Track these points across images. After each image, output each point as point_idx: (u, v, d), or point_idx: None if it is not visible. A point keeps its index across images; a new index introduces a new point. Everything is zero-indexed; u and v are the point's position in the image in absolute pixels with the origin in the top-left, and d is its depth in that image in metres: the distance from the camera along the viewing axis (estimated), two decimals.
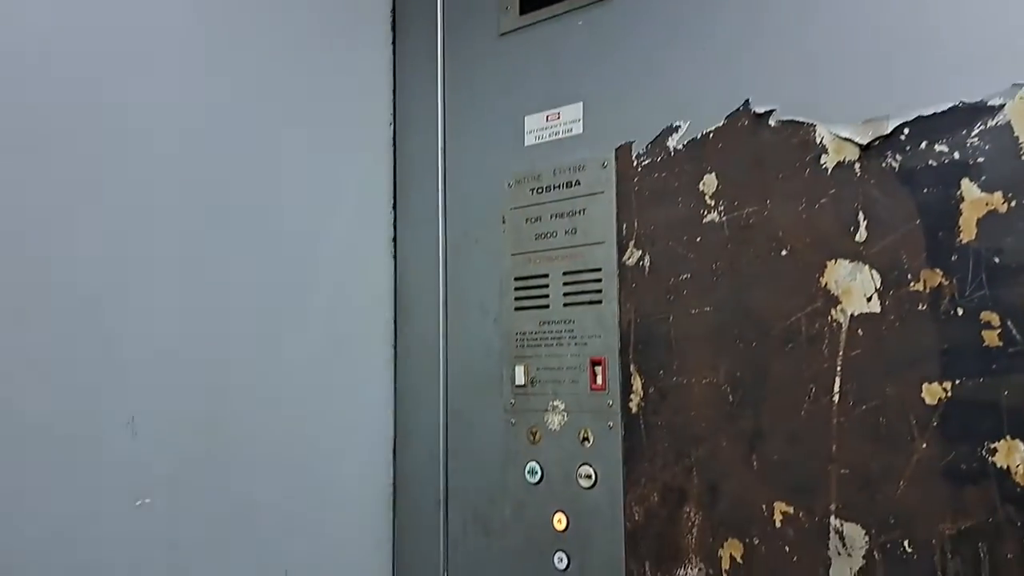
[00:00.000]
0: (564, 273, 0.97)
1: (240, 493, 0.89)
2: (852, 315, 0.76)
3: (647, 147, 0.91)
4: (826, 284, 0.78)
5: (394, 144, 1.16)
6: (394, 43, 1.18)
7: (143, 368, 0.80)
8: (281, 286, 0.97)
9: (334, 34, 1.08)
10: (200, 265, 0.86)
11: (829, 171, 0.79)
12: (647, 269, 0.90)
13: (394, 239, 1.15)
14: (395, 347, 1.14)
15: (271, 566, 0.93)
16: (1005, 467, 0.68)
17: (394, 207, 1.15)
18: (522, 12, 1.04)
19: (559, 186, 0.98)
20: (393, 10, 1.18)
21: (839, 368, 0.77)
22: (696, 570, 0.84)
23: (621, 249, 0.92)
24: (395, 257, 1.15)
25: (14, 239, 0.70)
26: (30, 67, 0.72)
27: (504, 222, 1.03)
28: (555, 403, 0.96)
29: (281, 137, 0.98)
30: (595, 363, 0.93)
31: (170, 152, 0.84)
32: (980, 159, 0.71)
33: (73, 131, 0.75)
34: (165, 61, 0.84)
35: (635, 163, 0.92)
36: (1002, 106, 0.70)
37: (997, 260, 0.69)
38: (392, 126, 1.16)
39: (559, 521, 0.94)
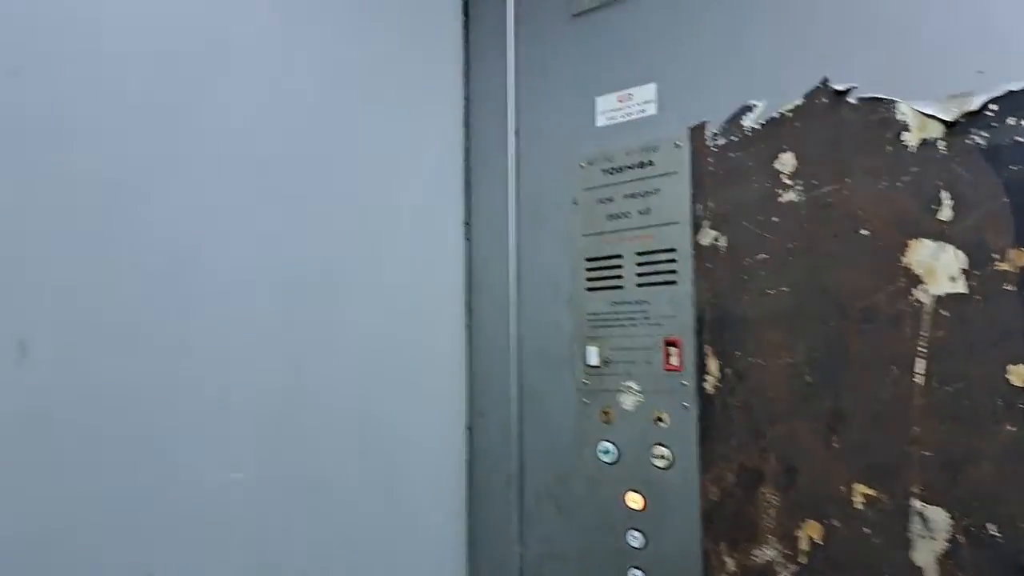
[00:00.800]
0: (637, 253, 0.97)
1: (318, 466, 0.92)
2: (935, 295, 0.75)
3: (722, 127, 0.90)
4: (907, 264, 0.77)
5: (467, 125, 1.18)
6: (466, 25, 1.18)
7: (229, 342, 0.82)
8: (359, 265, 0.99)
9: (408, 15, 1.09)
10: (281, 240, 0.89)
11: (911, 149, 0.77)
12: (722, 249, 0.89)
13: (467, 220, 1.17)
14: (469, 326, 1.16)
15: (348, 536, 0.96)
16: None
17: (467, 187, 1.17)
18: None
19: (632, 167, 0.98)
20: None
21: (921, 349, 0.76)
22: (774, 551, 0.84)
23: (696, 229, 0.92)
24: (467, 237, 1.16)
25: (101, 211, 0.72)
26: (136, 57, 0.75)
27: (576, 203, 1.03)
28: (628, 383, 0.97)
29: (357, 118, 1.00)
30: (670, 344, 0.94)
31: (252, 132, 0.86)
32: None
33: (158, 106, 0.77)
34: (250, 43, 0.86)
35: (709, 143, 0.91)
36: None
37: None
38: (464, 107, 1.18)
39: (633, 501, 0.96)
